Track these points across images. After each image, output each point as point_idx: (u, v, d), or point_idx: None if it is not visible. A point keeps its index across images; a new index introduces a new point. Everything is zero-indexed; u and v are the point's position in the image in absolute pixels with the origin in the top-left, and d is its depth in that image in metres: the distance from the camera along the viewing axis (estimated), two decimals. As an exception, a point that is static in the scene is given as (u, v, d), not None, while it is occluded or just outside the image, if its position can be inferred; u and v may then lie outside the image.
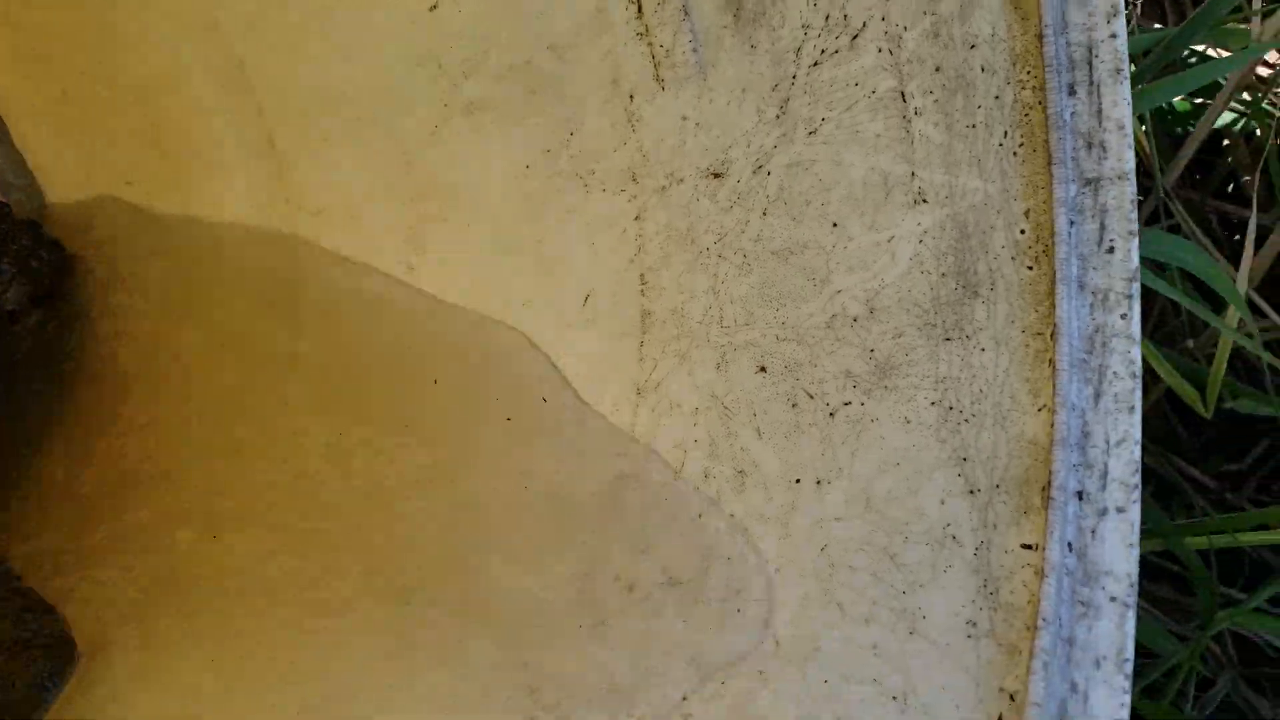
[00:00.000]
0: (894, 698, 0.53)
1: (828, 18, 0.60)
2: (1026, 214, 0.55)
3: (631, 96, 0.69)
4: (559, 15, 0.69)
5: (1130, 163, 0.51)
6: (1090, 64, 0.51)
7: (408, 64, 0.76)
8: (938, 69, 0.57)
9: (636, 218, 0.71)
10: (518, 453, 0.75)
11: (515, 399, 0.78)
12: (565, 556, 0.70)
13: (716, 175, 0.66)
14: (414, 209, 0.80)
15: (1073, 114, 0.52)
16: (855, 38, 0.59)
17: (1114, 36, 0.51)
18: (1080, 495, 0.49)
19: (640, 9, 0.66)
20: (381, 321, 0.85)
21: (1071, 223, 0.52)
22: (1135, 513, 0.47)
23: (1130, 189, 0.51)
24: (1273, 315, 0.79)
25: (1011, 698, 0.48)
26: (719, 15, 0.64)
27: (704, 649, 0.59)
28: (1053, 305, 0.53)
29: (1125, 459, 0.48)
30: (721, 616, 0.61)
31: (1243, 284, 0.73)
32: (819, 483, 0.64)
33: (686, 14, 0.64)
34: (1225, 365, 0.73)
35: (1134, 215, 0.51)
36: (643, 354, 0.74)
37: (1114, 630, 0.45)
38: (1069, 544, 0.48)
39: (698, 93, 0.66)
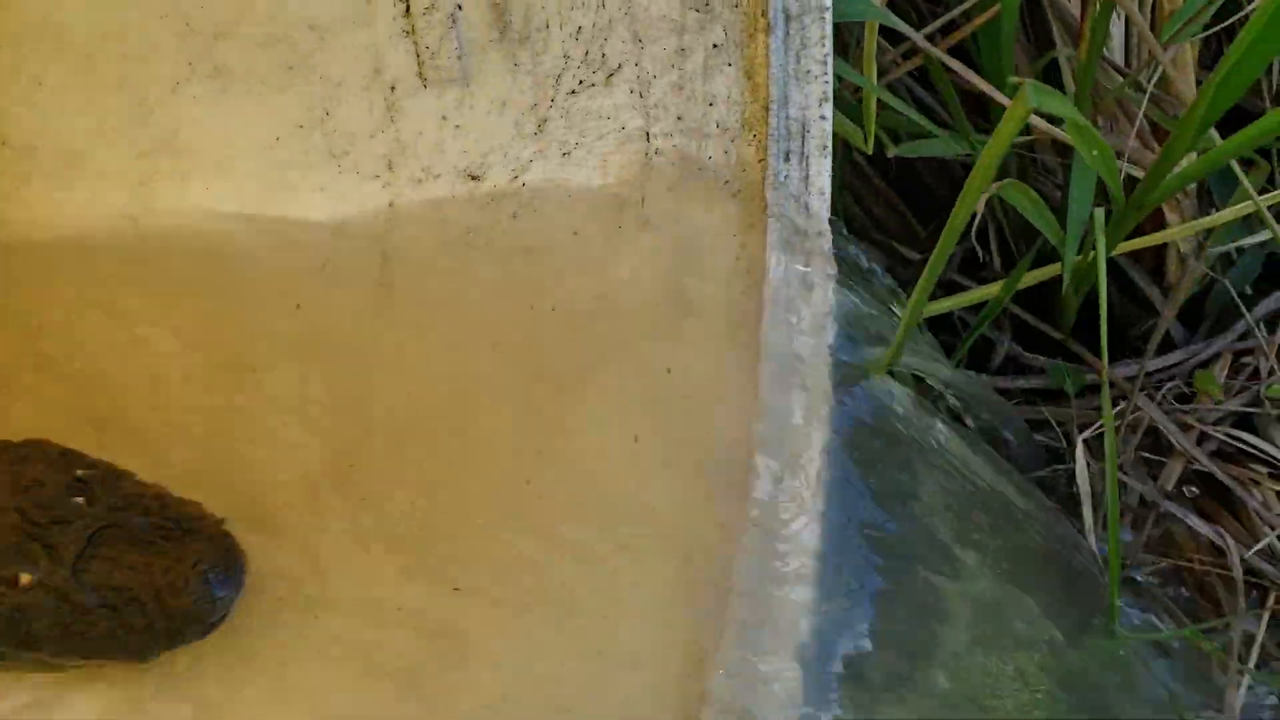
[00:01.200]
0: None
1: (587, 53, 0.66)
2: (742, 246, 0.65)
3: (393, 88, 0.71)
4: (323, -3, 0.70)
5: (826, 223, 0.63)
6: (804, 138, 0.62)
7: (151, 15, 0.73)
8: (679, 118, 0.65)
9: (389, 204, 0.74)
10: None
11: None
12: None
13: (474, 178, 0.71)
14: (146, 163, 0.77)
15: (786, 177, 0.62)
16: (611, 76, 0.66)
17: (824, 118, 0.62)
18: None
19: (408, 8, 0.69)
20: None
21: (781, 263, 0.63)
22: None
23: (827, 243, 0.63)
24: (910, 33, 0.77)
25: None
26: (486, 29, 0.68)
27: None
28: (759, 325, 0.63)
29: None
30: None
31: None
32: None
33: (454, 22, 0.68)
34: (875, 99, 0.73)
35: (832, 264, 0.63)
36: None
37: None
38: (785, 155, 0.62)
39: (459, 97, 0.70)
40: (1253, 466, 0.78)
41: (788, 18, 0.61)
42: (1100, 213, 0.72)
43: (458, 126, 0.71)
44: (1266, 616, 0.72)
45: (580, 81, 0.67)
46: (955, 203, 0.58)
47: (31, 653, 0.64)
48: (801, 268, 0.62)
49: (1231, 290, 0.82)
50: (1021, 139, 0.83)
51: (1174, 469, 0.78)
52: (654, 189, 0.66)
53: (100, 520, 0.63)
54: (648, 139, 0.66)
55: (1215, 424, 0.80)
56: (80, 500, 0.64)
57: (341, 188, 0.75)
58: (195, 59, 0.74)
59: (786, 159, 0.62)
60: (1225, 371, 0.82)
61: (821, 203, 0.62)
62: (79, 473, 0.66)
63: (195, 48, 0.73)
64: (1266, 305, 0.83)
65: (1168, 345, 0.86)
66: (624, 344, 0.70)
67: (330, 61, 0.72)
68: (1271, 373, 0.80)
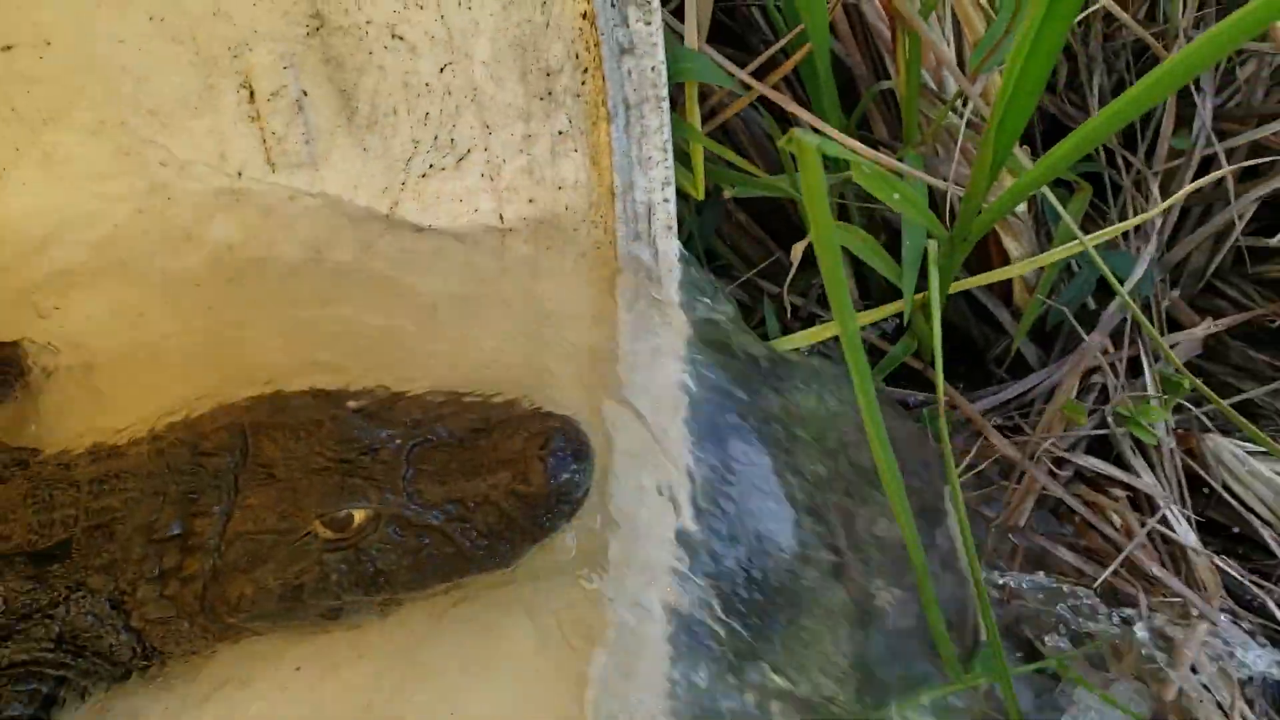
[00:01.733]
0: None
1: (436, 137, 0.67)
2: (597, 325, 0.67)
3: (240, 173, 0.70)
4: (160, 83, 0.69)
5: (676, 296, 0.65)
6: (650, 219, 0.64)
7: (-30, 103, 0.70)
8: (531, 200, 0.67)
9: (229, 280, 0.73)
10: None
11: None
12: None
13: (318, 251, 0.71)
14: (-22, 251, 0.74)
15: (636, 255, 0.65)
16: (461, 160, 0.67)
17: (667, 200, 0.64)
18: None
19: (253, 95, 0.68)
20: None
21: (636, 337, 0.65)
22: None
23: (681, 316, 0.65)
24: (734, 69, 0.77)
25: None
26: (333, 115, 0.68)
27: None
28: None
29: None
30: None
31: (690, 38, 0.74)
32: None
33: (300, 108, 0.68)
34: (701, 149, 0.75)
35: (687, 340, 0.65)
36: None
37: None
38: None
39: (310, 180, 0.70)
40: (1110, 491, 0.81)
41: (627, 107, 0.63)
42: (934, 246, 0.74)
43: (306, 208, 0.71)
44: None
45: (431, 165, 0.68)
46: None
47: (380, 594, 0.57)
48: (654, 341, 0.64)
49: (1067, 314, 0.85)
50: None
51: (1028, 500, 0.81)
52: (511, 271, 0.68)
53: (409, 438, 0.57)
54: (501, 220, 0.68)
55: (1071, 448, 0.83)
56: (374, 426, 0.58)
57: (180, 265, 0.74)
58: (23, 144, 0.71)
59: (636, 239, 0.64)
60: (1074, 392, 0.85)
61: (670, 275, 0.65)
62: (350, 404, 0.59)
63: (22, 133, 0.71)
64: (1108, 321, 0.85)
65: (1025, 367, 0.90)
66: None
67: (172, 146, 0.70)
68: (1120, 389, 0.84)
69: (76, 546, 0.59)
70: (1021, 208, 0.85)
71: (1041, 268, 0.87)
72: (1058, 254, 0.79)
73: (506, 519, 0.55)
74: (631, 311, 0.66)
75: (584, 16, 0.61)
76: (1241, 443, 0.82)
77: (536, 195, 0.66)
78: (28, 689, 0.58)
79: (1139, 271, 0.85)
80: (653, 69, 0.62)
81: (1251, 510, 0.82)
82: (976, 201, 0.73)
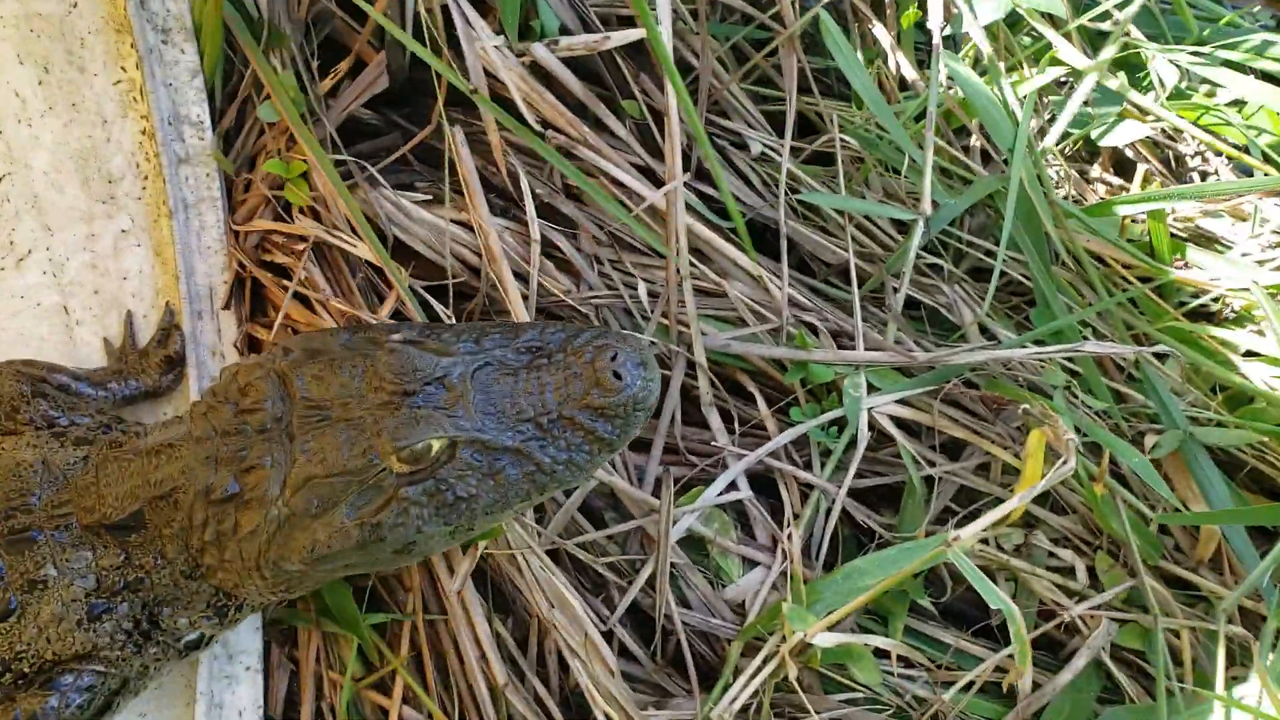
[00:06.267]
0: None
1: (-7, 241, 0.73)
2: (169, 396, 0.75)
3: None
4: None
5: (241, 367, 0.76)
6: (211, 300, 0.75)
7: None
8: (96, 292, 0.74)
9: None
10: None
11: None
12: None
13: None
14: None
15: (201, 331, 0.75)
16: (21, 260, 0.74)
17: (225, 283, 0.76)
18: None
19: None
20: None
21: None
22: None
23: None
24: None
25: None
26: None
27: None
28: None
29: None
30: None
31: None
32: None
33: None
34: None
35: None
36: None
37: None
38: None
39: None
40: (286, 247, 0.72)
41: (186, 206, 0.75)
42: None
43: None
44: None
45: (-9, 275, 0.73)
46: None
47: (461, 521, 0.56)
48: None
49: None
50: None
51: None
52: (83, 357, 0.74)
53: (469, 364, 0.56)
54: (66, 312, 0.74)
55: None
56: (425, 354, 0.56)
57: None
58: None
59: (200, 317, 0.75)
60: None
61: (234, 353, 0.76)
62: (395, 336, 0.57)
63: None
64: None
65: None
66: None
67: None
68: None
69: (148, 516, 0.59)
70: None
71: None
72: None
73: (585, 431, 0.58)
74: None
75: (144, 133, 0.72)
76: (406, 193, 0.81)
77: (102, 286, 0.74)
78: (88, 686, 0.59)
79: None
80: (207, 175, 0.75)
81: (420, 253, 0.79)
82: None
